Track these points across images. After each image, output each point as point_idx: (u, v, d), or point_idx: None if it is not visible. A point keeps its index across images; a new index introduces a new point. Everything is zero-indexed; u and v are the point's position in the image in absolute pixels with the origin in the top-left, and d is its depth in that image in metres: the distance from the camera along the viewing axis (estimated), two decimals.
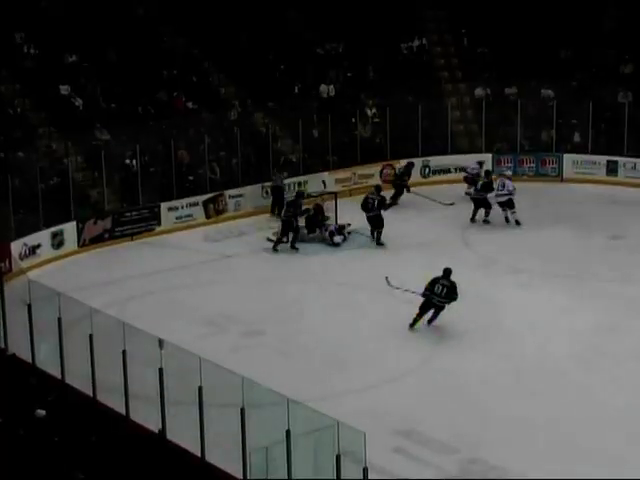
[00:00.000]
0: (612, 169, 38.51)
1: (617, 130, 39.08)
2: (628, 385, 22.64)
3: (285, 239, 31.75)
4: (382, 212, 32.34)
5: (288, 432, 16.18)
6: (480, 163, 37.22)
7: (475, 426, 20.22)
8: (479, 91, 41.74)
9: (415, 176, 38.42)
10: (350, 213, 33.11)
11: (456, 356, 24.31)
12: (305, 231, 32.68)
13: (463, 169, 38.44)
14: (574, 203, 34.21)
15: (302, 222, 32.87)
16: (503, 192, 33.17)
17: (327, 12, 41.95)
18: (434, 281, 25.40)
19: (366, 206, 32.57)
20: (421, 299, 25.11)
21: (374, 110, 40.00)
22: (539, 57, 40.91)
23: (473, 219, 33.94)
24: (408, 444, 20.41)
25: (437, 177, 39.34)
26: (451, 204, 34.80)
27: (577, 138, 40.07)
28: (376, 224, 32.42)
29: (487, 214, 33.75)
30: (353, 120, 39.41)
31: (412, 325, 25.65)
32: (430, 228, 33.26)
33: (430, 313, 25.59)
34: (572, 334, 25.34)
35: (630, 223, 33.27)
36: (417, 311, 25.53)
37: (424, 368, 23.79)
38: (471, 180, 36.40)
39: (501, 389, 22.50)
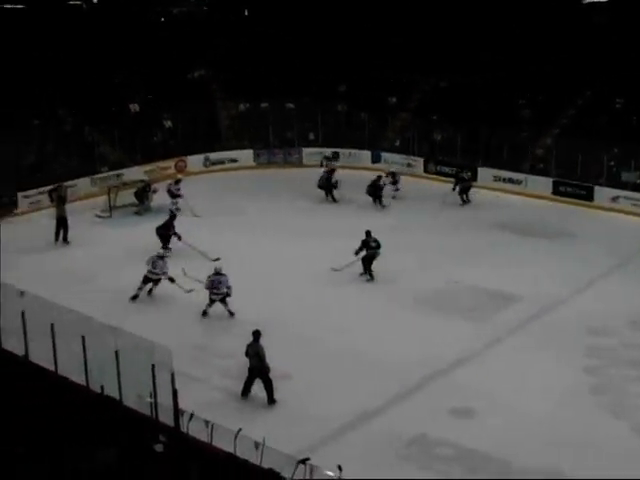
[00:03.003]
0: (335, 157, 39.24)
1: (338, 130, 39.90)
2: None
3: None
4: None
5: (116, 352, 16.20)
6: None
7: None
8: (242, 106, 41.85)
9: (199, 166, 38.61)
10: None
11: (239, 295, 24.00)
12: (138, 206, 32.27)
13: (234, 160, 38.78)
14: (310, 182, 34.67)
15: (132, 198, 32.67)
16: None
17: (132, 55, 41.46)
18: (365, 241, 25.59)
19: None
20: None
21: (169, 121, 39.77)
22: (281, 81, 41.28)
23: None
24: (202, 354, 20.72)
25: (215, 167, 39.21)
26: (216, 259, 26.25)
27: (311, 136, 40.76)
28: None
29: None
30: (154, 129, 39.15)
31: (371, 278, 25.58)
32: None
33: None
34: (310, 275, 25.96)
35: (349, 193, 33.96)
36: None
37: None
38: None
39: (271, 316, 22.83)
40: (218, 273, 22.86)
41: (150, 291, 24.26)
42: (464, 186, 33.70)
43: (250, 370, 18.73)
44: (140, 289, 24.04)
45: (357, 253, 25.68)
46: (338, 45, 42.50)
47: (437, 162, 37.66)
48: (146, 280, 24.03)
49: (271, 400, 18.59)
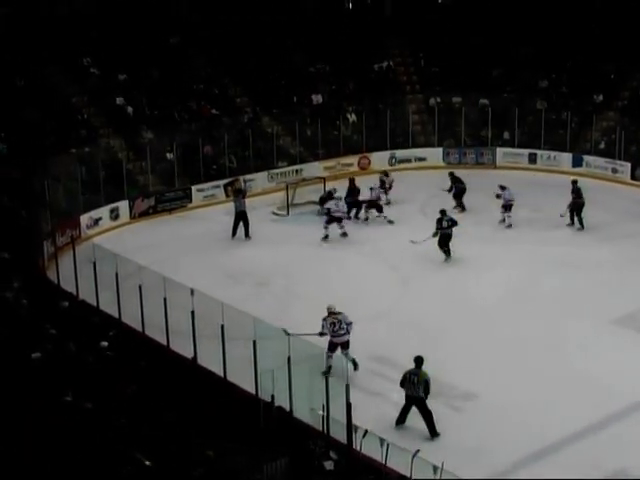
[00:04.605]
0: (532, 159, 38.59)
1: (536, 130, 39.16)
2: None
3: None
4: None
5: (289, 358, 16.31)
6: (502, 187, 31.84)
7: (430, 352, 19.62)
8: (432, 100, 41.47)
9: (383, 164, 38.41)
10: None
11: (416, 303, 24.29)
12: (319, 207, 31.75)
13: (422, 159, 38.51)
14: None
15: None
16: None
17: (317, 41, 41.89)
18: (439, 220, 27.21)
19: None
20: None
21: (353, 115, 39.91)
22: (477, 74, 40.90)
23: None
24: (381, 367, 20.46)
25: (401, 165, 38.99)
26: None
27: (506, 136, 39.94)
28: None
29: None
30: (337, 122, 39.17)
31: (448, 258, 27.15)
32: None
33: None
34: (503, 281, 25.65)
35: (546, 200, 32.74)
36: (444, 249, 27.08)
37: (392, 310, 23.73)
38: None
39: (451, 325, 22.63)
40: (333, 313, 20.07)
41: (344, 234, 29.19)
42: None
43: (410, 399, 17.82)
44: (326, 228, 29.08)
45: (435, 234, 27.10)
46: (540, 36, 41.70)
47: None
48: (329, 221, 29.07)
49: (434, 433, 17.73)
